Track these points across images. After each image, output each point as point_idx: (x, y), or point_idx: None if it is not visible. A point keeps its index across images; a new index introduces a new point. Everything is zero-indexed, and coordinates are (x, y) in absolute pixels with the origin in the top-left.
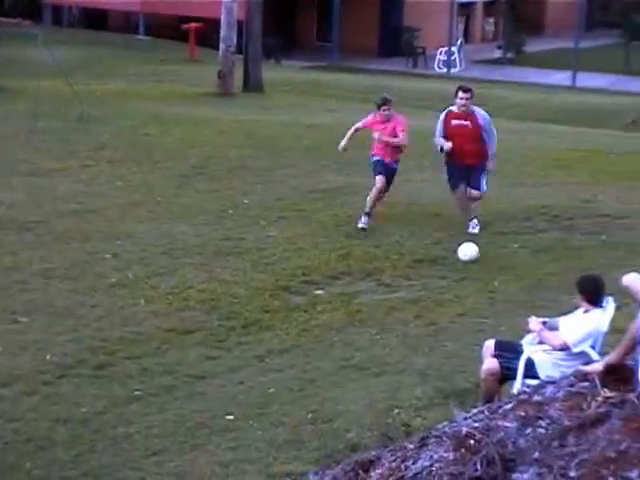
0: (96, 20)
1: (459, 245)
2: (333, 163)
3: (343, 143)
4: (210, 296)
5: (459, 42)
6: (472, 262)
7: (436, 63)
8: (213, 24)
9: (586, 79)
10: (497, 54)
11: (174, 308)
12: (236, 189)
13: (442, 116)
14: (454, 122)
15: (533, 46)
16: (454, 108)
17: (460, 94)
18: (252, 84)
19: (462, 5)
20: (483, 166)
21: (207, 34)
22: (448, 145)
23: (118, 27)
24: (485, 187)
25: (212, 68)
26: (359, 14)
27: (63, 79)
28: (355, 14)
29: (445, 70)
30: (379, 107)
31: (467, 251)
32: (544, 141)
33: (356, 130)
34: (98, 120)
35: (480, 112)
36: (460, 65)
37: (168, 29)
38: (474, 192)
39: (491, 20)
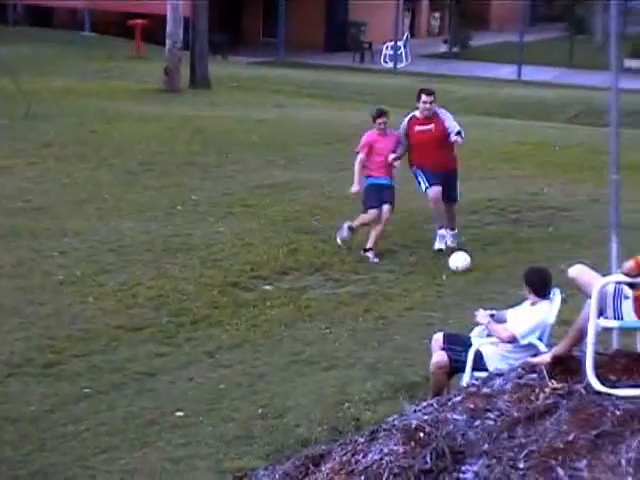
0: (41, 17)
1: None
2: (281, 159)
3: (355, 187)
4: (159, 293)
5: (405, 37)
6: (463, 271)
7: (382, 58)
8: (159, 20)
9: (531, 73)
10: (443, 48)
11: (123, 305)
12: (184, 185)
13: (404, 123)
14: (417, 128)
15: (479, 40)
16: (417, 113)
17: (423, 97)
18: (199, 80)
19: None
20: (455, 171)
21: (153, 30)
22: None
23: (64, 24)
24: (459, 194)
25: (158, 65)
26: (305, 9)
27: (8, 76)
28: (301, 9)
29: (391, 65)
30: (374, 119)
31: (458, 261)
32: (490, 134)
33: (362, 163)
34: (44, 117)
35: (444, 112)
36: (406, 60)
37: (114, 25)
38: (449, 202)
39: (437, 15)
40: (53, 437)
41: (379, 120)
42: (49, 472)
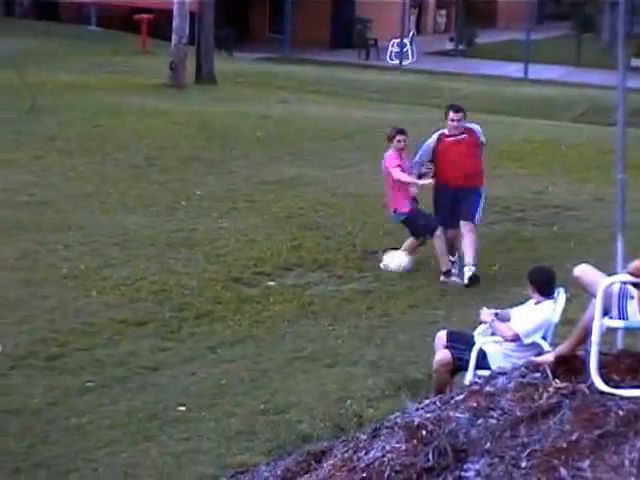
0: (48, 11)
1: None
2: (285, 154)
3: (416, 180)
4: (162, 287)
5: (411, 34)
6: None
7: (388, 55)
8: (165, 15)
9: (538, 71)
10: (449, 46)
11: (126, 299)
12: (189, 180)
13: (433, 140)
14: (448, 140)
15: (485, 38)
16: (446, 131)
17: (451, 114)
18: (204, 76)
19: None
20: (478, 189)
21: (159, 25)
22: (426, 182)
23: (70, 18)
24: (479, 218)
25: (164, 59)
26: (311, 6)
27: (14, 70)
28: (307, 6)
29: (397, 62)
30: (391, 139)
31: (394, 260)
32: (496, 133)
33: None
34: (50, 111)
35: (475, 126)
36: (412, 57)
37: (120, 20)
38: (464, 224)
39: (443, 12)
40: (56, 430)
41: (399, 137)
42: (52, 464)
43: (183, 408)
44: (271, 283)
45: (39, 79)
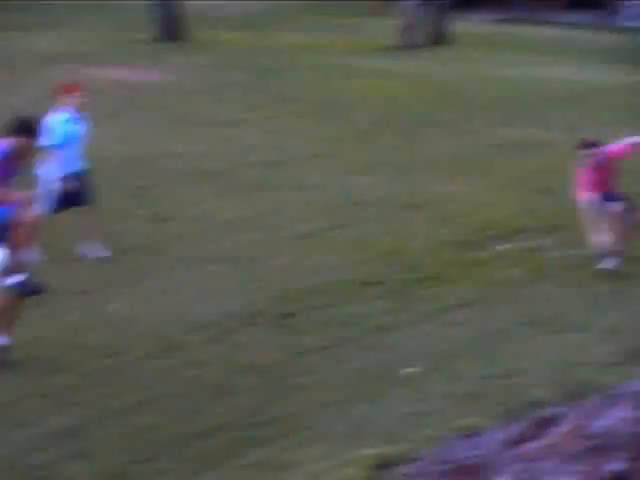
0: None
1: None
2: (520, 117)
3: None
4: (392, 248)
5: None
6: None
7: (627, 15)
8: None
9: None
10: None
11: (356, 260)
12: (420, 142)
13: None
14: None
15: None
16: None
17: None
18: (438, 37)
19: None
20: None
21: None
22: None
23: None
24: None
25: (398, 21)
26: None
27: (248, 31)
28: None
29: (637, 23)
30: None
31: None
32: None
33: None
34: (283, 72)
35: None
36: None
37: None
38: None
39: None
40: (286, 387)
41: (582, 152)
42: (284, 420)
43: (411, 369)
44: (501, 247)
45: (273, 41)
